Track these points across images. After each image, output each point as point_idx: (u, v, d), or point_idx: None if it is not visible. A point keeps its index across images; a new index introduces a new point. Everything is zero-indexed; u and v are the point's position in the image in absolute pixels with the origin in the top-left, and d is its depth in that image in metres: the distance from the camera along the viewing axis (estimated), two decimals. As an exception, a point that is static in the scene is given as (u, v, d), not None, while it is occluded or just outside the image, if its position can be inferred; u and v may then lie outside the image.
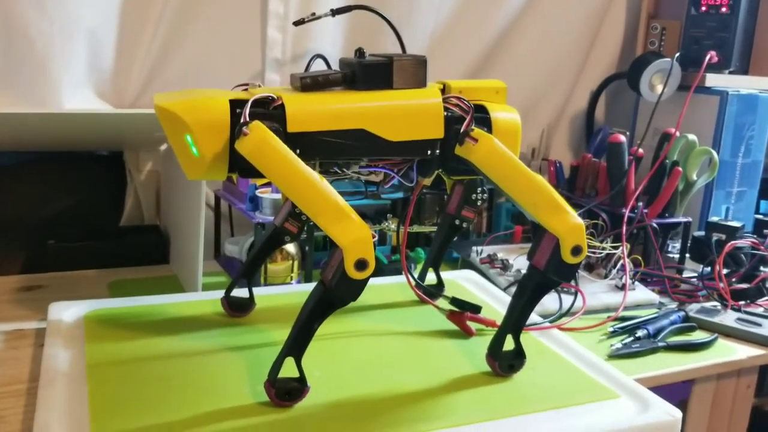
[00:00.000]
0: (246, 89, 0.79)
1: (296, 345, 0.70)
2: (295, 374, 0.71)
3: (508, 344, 0.80)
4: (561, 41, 1.56)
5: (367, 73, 0.79)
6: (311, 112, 0.75)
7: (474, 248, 1.25)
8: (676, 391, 0.96)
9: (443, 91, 0.84)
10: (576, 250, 0.75)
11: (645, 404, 0.75)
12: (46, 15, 1.06)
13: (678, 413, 0.74)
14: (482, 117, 0.83)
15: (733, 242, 1.17)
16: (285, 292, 1.05)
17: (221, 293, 0.94)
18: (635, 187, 1.25)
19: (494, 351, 0.80)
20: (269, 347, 0.83)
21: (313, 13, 1.22)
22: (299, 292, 1.05)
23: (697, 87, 1.32)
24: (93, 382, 0.73)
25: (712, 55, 1.33)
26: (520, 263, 1.19)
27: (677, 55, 1.35)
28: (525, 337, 0.91)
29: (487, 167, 0.78)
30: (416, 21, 1.38)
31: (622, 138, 1.26)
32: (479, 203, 0.94)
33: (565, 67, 1.58)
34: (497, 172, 0.78)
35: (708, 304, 1.13)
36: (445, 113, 0.81)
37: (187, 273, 1.11)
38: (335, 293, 0.68)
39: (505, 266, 1.18)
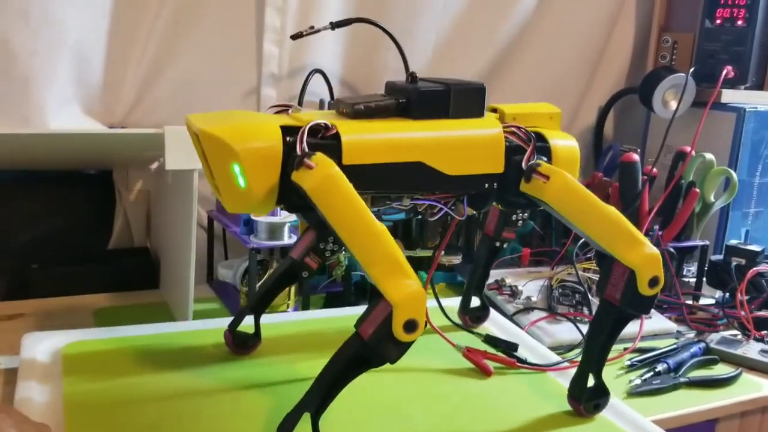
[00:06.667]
0: (285, 112, 0.72)
1: (317, 400, 0.61)
2: None
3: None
4: (568, 54, 1.50)
5: (423, 100, 0.72)
6: (367, 142, 0.68)
7: (480, 272, 1.18)
8: (699, 431, 0.90)
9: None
10: (653, 282, 0.70)
11: None
12: (29, 28, 1.00)
13: None
14: (541, 146, 0.78)
15: (755, 269, 1.11)
16: (285, 320, 0.99)
17: (215, 322, 0.87)
18: (649, 209, 1.19)
19: (576, 392, 0.75)
20: (275, 387, 0.77)
21: (312, 27, 1.16)
22: (300, 321, 0.98)
23: (713, 103, 1.26)
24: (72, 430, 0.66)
25: (728, 70, 1.27)
26: (529, 289, 1.12)
27: (692, 70, 1.30)
28: (542, 379, 0.85)
29: (559, 205, 0.73)
30: (418, 32, 1.32)
31: (636, 157, 1.20)
32: (520, 223, 0.89)
33: (573, 81, 1.53)
34: (570, 209, 0.72)
35: (728, 334, 1.07)
36: (504, 143, 0.75)
37: (178, 299, 1.04)
38: (375, 352, 0.60)
39: (514, 293, 1.12)
